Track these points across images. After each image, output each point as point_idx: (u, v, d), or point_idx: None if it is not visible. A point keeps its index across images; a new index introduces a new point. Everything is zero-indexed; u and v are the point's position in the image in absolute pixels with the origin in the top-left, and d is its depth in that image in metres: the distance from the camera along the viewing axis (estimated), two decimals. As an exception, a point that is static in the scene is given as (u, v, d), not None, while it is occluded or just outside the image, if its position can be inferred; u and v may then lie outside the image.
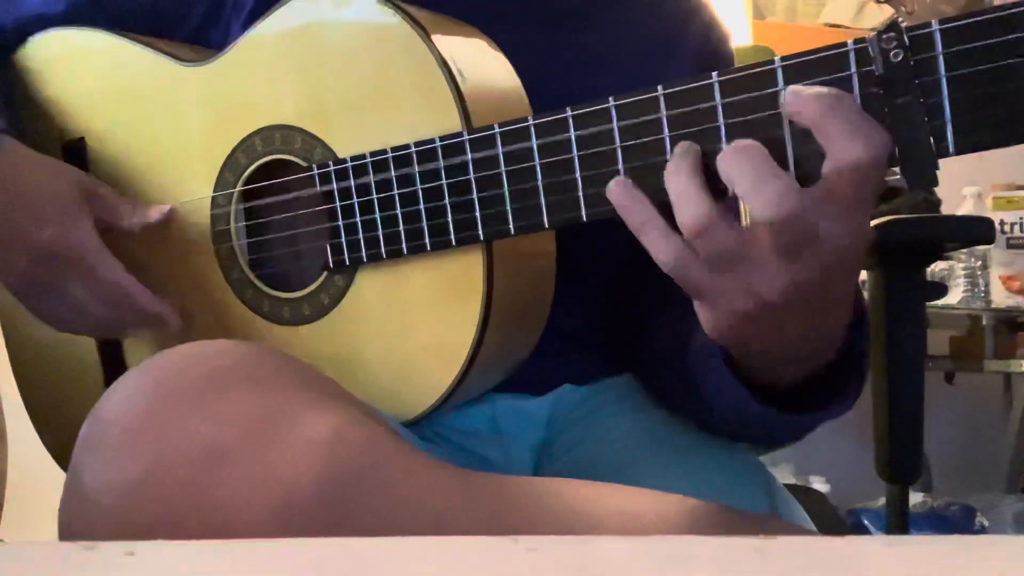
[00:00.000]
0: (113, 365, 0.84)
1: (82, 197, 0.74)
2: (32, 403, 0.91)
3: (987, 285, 2.24)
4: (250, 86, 0.73)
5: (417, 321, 0.67)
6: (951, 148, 0.49)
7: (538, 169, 0.59)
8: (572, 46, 0.76)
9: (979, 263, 2.23)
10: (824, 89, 0.49)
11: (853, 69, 0.50)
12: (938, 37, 0.48)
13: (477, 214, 0.62)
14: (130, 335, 0.81)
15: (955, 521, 2.11)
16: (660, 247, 0.53)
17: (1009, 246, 2.19)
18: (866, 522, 2.14)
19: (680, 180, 0.52)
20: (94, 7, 0.82)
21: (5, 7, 0.84)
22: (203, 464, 0.48)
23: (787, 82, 0.51)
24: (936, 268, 2.20)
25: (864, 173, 0.48)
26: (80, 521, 0.49)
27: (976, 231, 1.26)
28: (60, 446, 0.89)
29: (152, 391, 0.50)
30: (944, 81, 0.48)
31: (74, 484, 0.50)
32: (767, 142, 0.51)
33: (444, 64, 0.64)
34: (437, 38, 0.65)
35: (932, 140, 0.49)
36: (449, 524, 0.51)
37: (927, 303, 1.28)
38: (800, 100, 0.49)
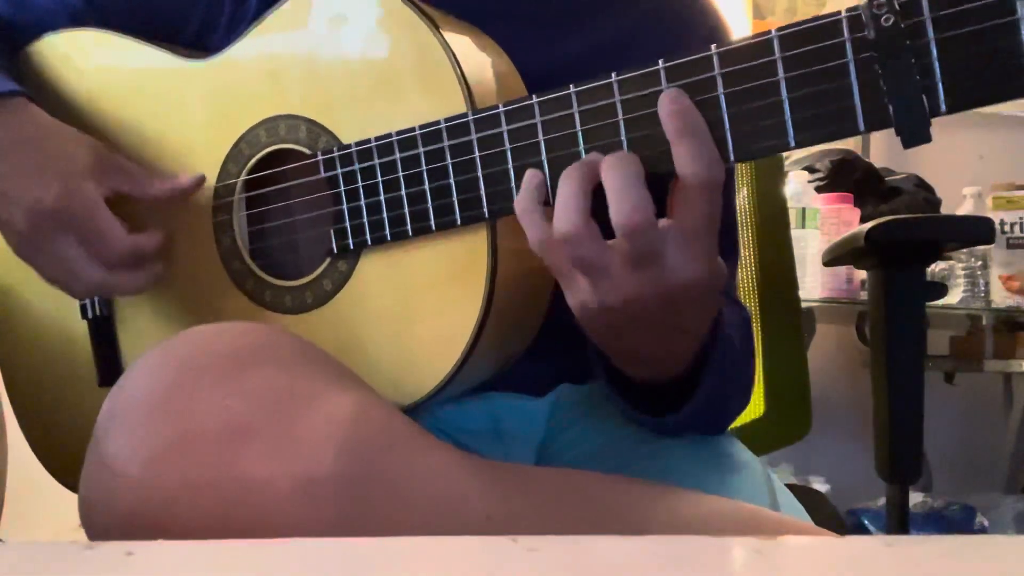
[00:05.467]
0: (108, 365, 0.83)
1: (94, 163, 0.74)
2: (20, 406, 0.91)
3: (987, 285, 2.23)
4: (255, 78, 0.74)
5: (420, 305, 0.67)
6: (943, 107, 0.51)
7: (542, 145, 0.61)
8: (575, 47, 0.76)
9: (979, 263, 2.23)
10: (688, 104, 0.55)
11: (847, 35, 0.53)
12: (925, 2, 0.50)
13: (482, 192, 0.63)
14: (128, 294, 0.80)
15: (955, 521, 2.11)
16: (533, 230, 0.58)
17: (1009, 246, 2.19)
18: (866, 522, 2.14)
19: (565, 187, 0.57)
20: (96, 14, 0.83)
21: (15, 7, 0.84)
22: (227, 438, 0.48)
23: (783, 51, 0.54)
24: (936, 268, 2.20)
25: (706, 191, 0.55)
26: (102, 493, 0.49)
27: (976, 231, 1.27)
28: (49, 447, 0.89)
29: (177, 366, 0.51)
30: (933, 43, 0.51)
31: (96, 456, 0.50)
32: (764, 109, 0.55)
33: (449, 49, 0.64)
34: (441, 26, 0.66)
35: (925, 99, 0.51)
36: (467, 505, 0.52)
37: (927, 303, 1.28)
38: (665, 112, 0.56)
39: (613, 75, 0.58)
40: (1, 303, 0.89)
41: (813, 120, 0.54)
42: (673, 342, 0.62)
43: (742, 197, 1.24)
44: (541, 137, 0.61)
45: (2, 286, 0.87)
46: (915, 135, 0.52)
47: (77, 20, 0.83)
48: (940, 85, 0.51)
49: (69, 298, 0.84)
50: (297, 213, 0.75)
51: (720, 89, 0.56)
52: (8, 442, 0.98)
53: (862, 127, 0.53)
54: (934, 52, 0.50)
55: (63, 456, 0.87)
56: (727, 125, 0.56)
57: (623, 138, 0.58)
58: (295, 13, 0.72)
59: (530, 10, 0.76)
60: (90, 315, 0.83)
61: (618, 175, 0.55)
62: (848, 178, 2.27)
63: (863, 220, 2.09)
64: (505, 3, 0.75)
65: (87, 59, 0.82)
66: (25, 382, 0.90)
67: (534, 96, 0.61)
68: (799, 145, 0.55)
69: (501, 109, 0.62)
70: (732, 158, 0.56)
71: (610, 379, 0.68)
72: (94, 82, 0.82)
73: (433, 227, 0.65)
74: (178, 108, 0.78)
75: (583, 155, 0.59)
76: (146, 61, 0.80)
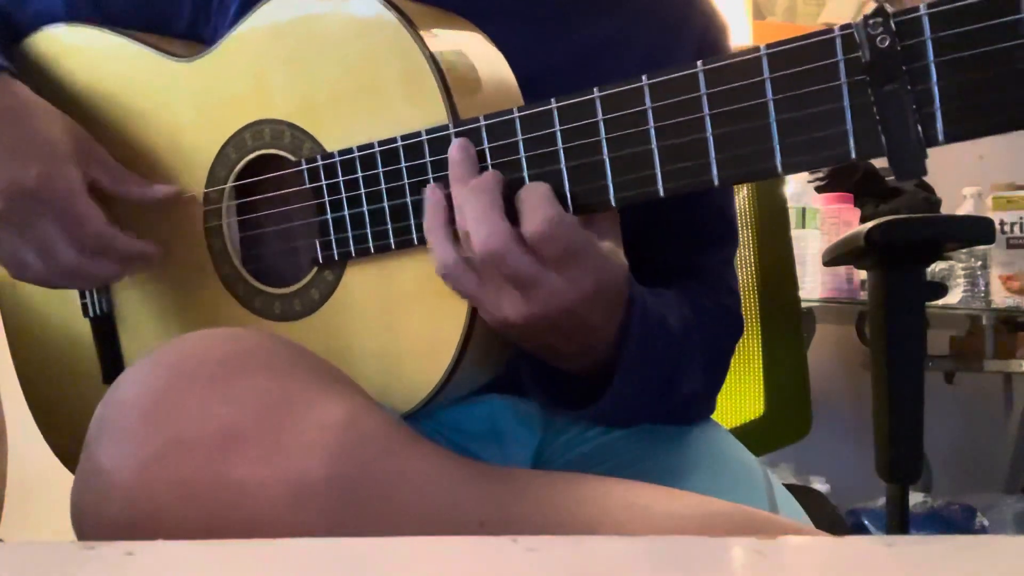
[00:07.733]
0: (111, 362, 0.84)
1: (76, 147, 0.74)
2: (34, 402, 0.91)
3: (987, 285, 2.23)
4: (240, 81, 0.73)
5: (406, 315, 0.67)
6: (940, 137, 0.47)
7: (524, 162, 0.60)
8: (571, 43, 0.76)
9: (979, 263, 2.23)
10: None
11: (840, 56, 0.49)
12: (926, 22, 0.47)
13: None
14: (104, 283, 0.80)
15: (955, 521, 2.11)
16: (439, 251, 0.60)
17: (1009, 246, 2.19)
18: (866, 522, 2.14)
19: (476, 205, 0.58)
20: (92, 4, 0.83)
21: (12, 1, 0.84)
22: (218, 445, 0.48)
23: (772, 71, 0.51)
24: (936, 268, 2.20)
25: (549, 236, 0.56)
26: (94, 499, 0.49)
27: (976, 231, 1.27)
28: (63, 444, 0.89)
29: (168, 373, 0.51)
30: (933, 67, 0.47)
31: (89, 463, 0.50)
32: (751, 132, 0.52)
33: (431, 57, 0.63)
34: (425, 31, 0.64)
35: (920, 129, 0.47)
36: (460, 511, 0.52)
37: (927, 303, 1.28)
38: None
39: (595, 91, 0.57)
40: (11, 300, 0.89)
41: (802, 145, 0.51)
42: (588, 337, 0.63)
43: (742, 197, 1.24)
44: (523, 154, 0.59)
45: (11, 284, 0.87)
46: (908, 168, 0.48)
47: (73, 11, 0.83)
48: (939, 113, 0.47)
49: (73, 296, 0.84)
50: (285, 220, 0.74)
51: (705, 109, 0.53)
52: (8, 442, 0.98)
53: (853, 155, 0.50)
54: (934, 77, 0.47)
55: (76, 452, 0.88)
56: (711, 147, 0.53)
57: (605, 156, 0.57)
58: (278, 15, 0.71)
59: (527, 7, 0.76)
60: (91, 314, 0.83)
61: (475, 202, 0.58)
62: (848, 178, 2.27)
63: (863, 220, 2.09)
64: (502, 1, 0.75)
65: (81, 55, 0.82)
66: (37, 378, 0.90)
67: (515, 110, 0.60)
68: (787, 171, 0.52)
69: (483, 123, 0.61)
70: (716, 183, 0.54)
71: (536, 377, 0.68)
72: (87, 79, 0.82)
73: (415, 241, 0.64)
74: (168, 109, 0.78)
75: (565, 172, 0.58)
76: (134, 60, 0.79)
